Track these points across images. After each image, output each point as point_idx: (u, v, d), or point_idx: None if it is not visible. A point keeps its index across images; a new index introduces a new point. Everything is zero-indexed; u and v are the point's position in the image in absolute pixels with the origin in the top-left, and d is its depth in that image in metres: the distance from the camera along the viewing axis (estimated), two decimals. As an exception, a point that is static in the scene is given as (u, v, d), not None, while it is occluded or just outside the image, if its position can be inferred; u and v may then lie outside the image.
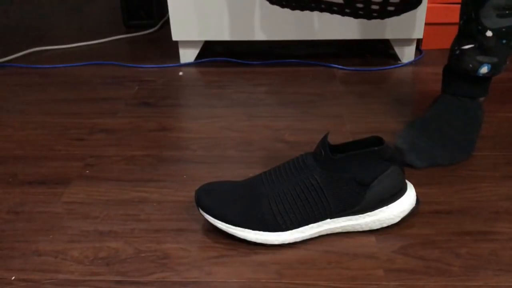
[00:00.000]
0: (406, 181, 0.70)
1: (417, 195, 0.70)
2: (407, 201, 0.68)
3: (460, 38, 0.82)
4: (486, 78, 0.83)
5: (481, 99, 0.86)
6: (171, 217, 0.73)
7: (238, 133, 0.95)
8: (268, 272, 0.63)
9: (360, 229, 0.68)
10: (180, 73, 1.26)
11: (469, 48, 0.80)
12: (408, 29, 1.24)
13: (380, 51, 1.37)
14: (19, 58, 1.39)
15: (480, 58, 0.80)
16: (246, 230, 0.66)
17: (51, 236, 0.70)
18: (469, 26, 0.80)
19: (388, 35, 1.25)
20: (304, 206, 0.65)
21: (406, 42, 1.27)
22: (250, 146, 0.91)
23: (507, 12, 0.76)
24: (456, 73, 0.84)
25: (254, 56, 1.35)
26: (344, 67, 1.26)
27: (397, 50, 1.29)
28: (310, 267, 0.63)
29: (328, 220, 0.67)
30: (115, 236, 0.69)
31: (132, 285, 0.61)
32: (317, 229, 0.67)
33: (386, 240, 0.67)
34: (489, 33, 0.78)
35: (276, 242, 0.66)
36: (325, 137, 0.66)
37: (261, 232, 0.65)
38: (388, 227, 0.69)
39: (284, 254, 0.65)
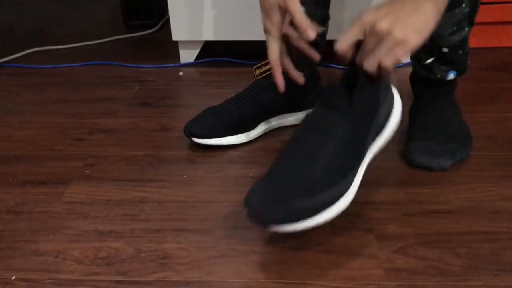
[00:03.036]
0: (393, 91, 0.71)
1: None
2: (395, 121, 0.71)
3: (420, 54, 0.86)
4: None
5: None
6: (171, 217, 0.73)
7: (238, 133, 0.95)
8: (268, 272, 0.63)
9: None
10: (180, 73, 1.26)
11: (432, 61, 0.85)
12: (408, 29, 1.23)
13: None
14: (19, 58, 1.39)
15: (444, 67, 0.86)
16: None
17: (51, 236, 0.70)
18: (425, 44, 0.82)
19: (388, 35, 1.25)
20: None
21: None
22: (250, 146, 0.91)
23: (455, 28, 0.80)
24: (426, 80, 0.88)
25: (254, 56, 1.34)
26: (344, 67, 1.26)
27: (397, 50, 1.28)
28: (310, 267, 0.63)
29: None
30: (115, 236, 0.69)
31: (132, 285, 0.61)
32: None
33: (386, 240, 0.67)
34: (445, 50, 0.83)
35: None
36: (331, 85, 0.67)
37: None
38: (388, 227, 0.69)
39: (284, 254, 0.65)
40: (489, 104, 1.03)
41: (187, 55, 1.32)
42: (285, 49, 0.77)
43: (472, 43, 1.36)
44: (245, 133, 0.90)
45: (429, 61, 0.85)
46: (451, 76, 0.86)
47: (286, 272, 0.63)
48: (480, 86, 1.13)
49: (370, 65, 0.63)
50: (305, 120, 0.69)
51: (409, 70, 0.93)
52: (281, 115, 0.95)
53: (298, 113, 0.96)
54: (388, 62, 0.61)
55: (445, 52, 0.83)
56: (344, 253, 0.65)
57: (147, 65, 1.30)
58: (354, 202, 0.74)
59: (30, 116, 1.05)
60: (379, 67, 0.63)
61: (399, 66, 1.26)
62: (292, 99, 0.93)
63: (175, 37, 1.27)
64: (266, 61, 0.79)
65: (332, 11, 0.96)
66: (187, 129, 0.89)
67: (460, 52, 0.84)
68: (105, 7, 1.92)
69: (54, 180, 0.82)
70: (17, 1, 2.02)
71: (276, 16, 0.72)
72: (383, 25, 0.60)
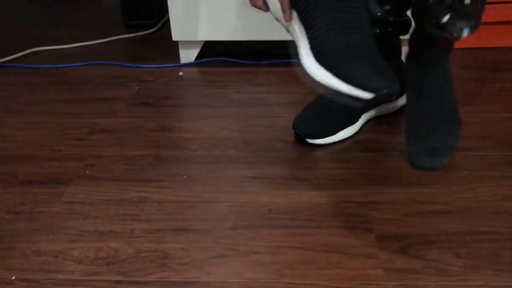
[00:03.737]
0: None
1: None
2: None
3: (435, 14, 0.81)
4: None
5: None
6: (171, 217, 0.73)
7: (238, 133, 0.95)
8: (268, 272, 0.63)
9: None
10: (180, 73, 1.26)
11: (448, 20, 0.81)
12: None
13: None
14: (19, 58, 1.39)
15: (460, 24, 0.81)
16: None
17: (51, 236, 0.70)
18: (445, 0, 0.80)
19: (388, 35, 1.25)
20: None
21: (405, 42, 1.27)
22: (250, 146, 0.91)
23: None
24: (426, 40, 0.85)
25: (254, 56, 1.35)
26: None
27: (397, 50, 1.28)
28: (310, 267, 0.63)
29: None
30: (115, 236, 0.69)
31: (132, 285, 0.61)
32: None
33: (386, 240, 0.67)
34: (467, 1, 0.79)
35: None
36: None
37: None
38: (388, 227, 0.69)
39: (284, 254, 0.65)
40: (489, 104, 1.03)
41: (187, 55, 1.32)
42: None
43: (472, 43, 1.37)
44: (352, 126, 0.92)
45: (445, 19, 0.81)
46: (465, 33, 0.81)
47: (286, 272, 0.63)
48: (480, 86, 1.13)
49: None
50: None
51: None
52: (379, 105, 0.97)
53: (392, 102, 0.99)
54: None
55: (467, 4, 0.79)
56: (344, 253, 0.65)
57: (147, 65, 1.30)
58: (354, 202, 0.75)
59: (30, 116, 1.05)
60: None
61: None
62: None
63: (175, 37, 1.27)
64: None
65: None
66: (301, 131, 0.89)
67: (480, 3, 0.79)
68: (105, 7, 1.92)
69: (54, 180, 0.82)
70: (17, 1, 2.02)
71: None
72: None
